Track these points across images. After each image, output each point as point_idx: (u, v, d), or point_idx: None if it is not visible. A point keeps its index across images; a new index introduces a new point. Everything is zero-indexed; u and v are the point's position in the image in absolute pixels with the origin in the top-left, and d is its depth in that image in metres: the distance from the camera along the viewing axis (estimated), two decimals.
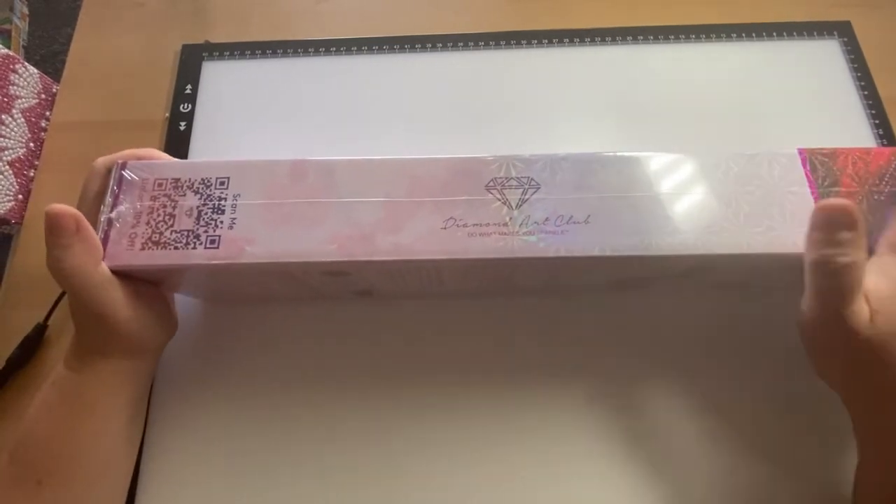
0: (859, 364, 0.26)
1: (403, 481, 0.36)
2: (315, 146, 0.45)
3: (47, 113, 0.50)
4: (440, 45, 0.49)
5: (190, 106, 0.47)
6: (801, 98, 0.46)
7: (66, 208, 0.26)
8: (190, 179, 0.29)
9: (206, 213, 0.28)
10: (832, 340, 0.27)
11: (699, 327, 0.38)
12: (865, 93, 0.46)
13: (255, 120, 0.47)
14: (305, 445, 0.36)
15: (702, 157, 0.29)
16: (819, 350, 0.28)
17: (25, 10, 1.28)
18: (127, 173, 0.29)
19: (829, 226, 0.26)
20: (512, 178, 0.29)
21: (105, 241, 0.28)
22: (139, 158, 0.30)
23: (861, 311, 0.25)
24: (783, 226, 0.28)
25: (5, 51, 0.47)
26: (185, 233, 0.28)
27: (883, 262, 0.27)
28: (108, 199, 0.28)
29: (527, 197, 0.28)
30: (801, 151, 0.30)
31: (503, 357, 0.38)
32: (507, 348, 0.38)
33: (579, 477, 0.35)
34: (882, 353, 0.25)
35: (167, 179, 0.29)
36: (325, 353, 0.39)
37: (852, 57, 0.47)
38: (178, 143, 0.45)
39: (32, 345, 0.39)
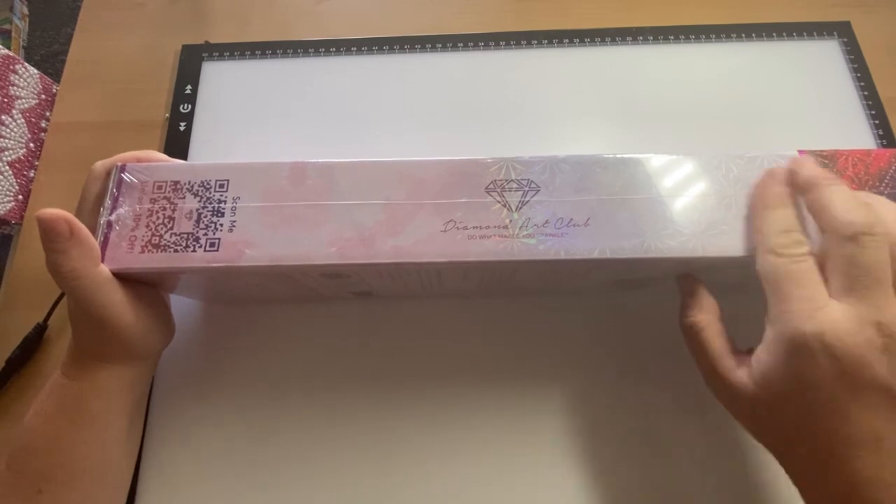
0: (758, 421, 0.28)
1: (404, 481, 0.36)
2: (315, 146, 0.45)
3: (47, 113, 0.50)
4: (440, 45, 0.49)
5: (190, 106, 0.47)
6: (801, 98, 0.46)
7: (57, 213, 0.26)
8: (189, 182, 0.29)
9: (205, 216, 0.28)
10: (728, 401, 0.28)
11: None
12: (865, 93, 0.46)
13: (255, 120, 0.47)
14: (305, 446, 0.36)
15: (702, 159, 0.29)
16: (730, 412, 0.29)
17: (25, 10, 1.28)
18: (126, 176, 0.29)
19: (681, 294, 0.31)
20: (512, 180, 0.29)
21: (105, 243, 0.28)
22: (139, 160, 0.30)
23: (729, 369, 0.27)
24: None
25: (5, 51, 0.47)
26: (185, 235, 0.28)
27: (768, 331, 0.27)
28: (108, 202, 0.28)
29: (527, 199, 0.28)
30: (801, 153, 0.30)
31: (503, 357, 0.38)
32: (507, 348, 0.39)
33: (580, 477, 0.35)
34: (772, 413, 0.26)
35: (166, 182, 0.29)
36: (324, 353, 0.39)
37: (852, 57, 0.47)
38: (177, 144, 0.46)
39: (32, 345, 0.39)
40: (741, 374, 0.27)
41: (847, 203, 0.25)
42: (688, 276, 0.31)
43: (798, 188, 0.27)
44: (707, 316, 0.29)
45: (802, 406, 0.25)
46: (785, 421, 0.26)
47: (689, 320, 0.30)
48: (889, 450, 0.23)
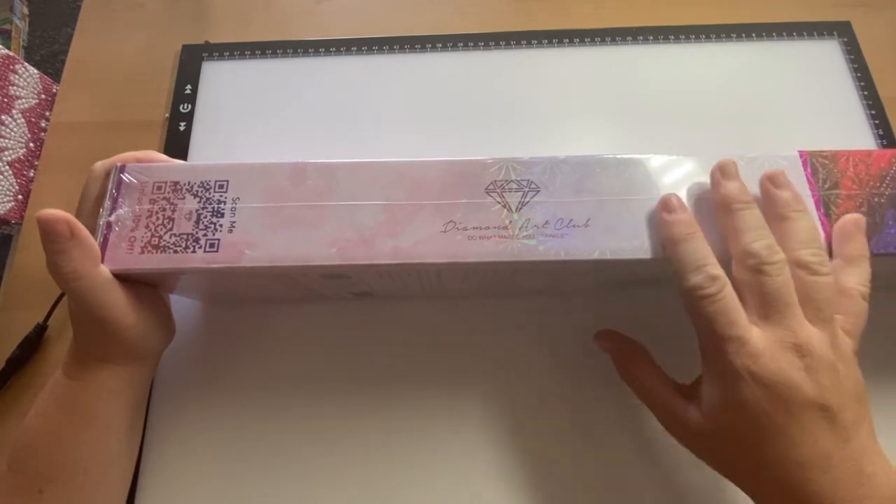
0: (713, 452, 0.28)
1: (404, 481, 0.36)
2: (315, 146, 0.45)
3: (47, 113, 0.50)
4: (440, 45, 0.49)
5: (190, 106, 0.47)
6: (801, 98, 0.46)
7: (57, 213, 0.26)
8: (189, 182, 0.29)
9: (205, 217, 0.28)
10: (684, 438, 0.29)
11: None
12: (865, 93, 0.46)
13: (255, 120, 0.47)
14: (305, 446, 0.36)
15: (702, 160, 0.29)
16: (687, 447, 0.29)
17: (25, 10, 1.28)
18: (126, 176, 0.29)
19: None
20: (511, 180, 0.29)
21: (104, 244, 0.28)
22: (138, 161, 0.30)
23: (681, 410, 0.28)
24: None
25: (5, 51, 0.47)
26: (185, 236, 0.28)
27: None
28: (107, 203, 0.28)
29: (526, 200, 0.28)
30: (801, 154, 0.30)
31: (503, 357, 0.38)
32: (508, 348, 0.38)
33: (581, 476, 0.35)
34: (726, 443, 0.27)
35: (166, 182, 0.29)
36: (324, 353, 0.39)
37: (852, 57, 0.47)
38: (177, 144, 0.45)
39: (32, 345, 0.39)
40: (692, 412, 0.28)
41: (756, 231, 0.26)
42: (604, 336, 0.34)
43: (715, 200, 0.28)
44: (644, 367, 0.31)
45: (751, 434, 0.25)
46: (739, 451, 0.26)
47: (629, 378, 0.32)
48: (839, 466, 0.24)
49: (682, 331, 0.30)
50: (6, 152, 0.45)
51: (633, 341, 0.33)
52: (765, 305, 0.25)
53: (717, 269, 0.26)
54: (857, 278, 0.27)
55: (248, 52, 0.49)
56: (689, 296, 0.26)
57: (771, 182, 0.28)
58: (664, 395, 0.29)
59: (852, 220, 0.28)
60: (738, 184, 0.27)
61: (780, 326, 0.25)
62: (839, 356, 0.25)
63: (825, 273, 0.26)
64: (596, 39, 0.49)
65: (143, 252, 0.28)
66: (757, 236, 0.26)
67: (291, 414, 0.37)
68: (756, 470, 0.26)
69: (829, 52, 0.48)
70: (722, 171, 0.28)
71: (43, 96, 0.50)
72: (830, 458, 0.24)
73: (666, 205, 0.27)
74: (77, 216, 0.29)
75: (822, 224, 0.28)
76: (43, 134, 0.49)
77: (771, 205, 0.27)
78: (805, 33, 0.49)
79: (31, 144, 0.48)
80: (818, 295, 0.25)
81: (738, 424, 0.25)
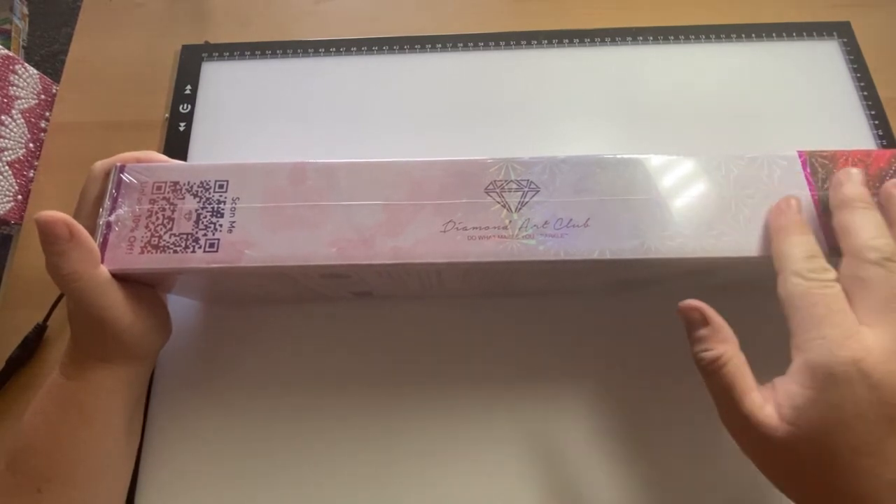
0: (786, 466, 0.25)
1: (404, 481, 0.36)
2: (315, 147, 0.45)
3: (47, 113, 0.50)
4: (440, 45, 0.49)
5: (189, 107, 0.47)
6: (801, 99, 0.46)
7: (56, 215, 0.26)
8: (189, 182, 0.29)
9: (205, 217, 0.28)
10: (752, 444, 0.25)
11: None
12: (865, 94, 0.46)
13: (255, 120, 0.47)
14: (304, 446, 0.36)
15: (702, 160, 0.29)
16: (752, 457, 0.26)
17: (25, 10, 1.28)
18: (125, 176, 0.29)
19: (688, 325, 0.27)
20: (511, 180, 0.29)
21: (104, 244, 0.28)
22: (138, 161, 0.30)
23: (757, 406, 0.24)
24: None
25: (5, 51, 0.47)
26: (185, 236, 0.28)
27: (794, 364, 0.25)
28: (107, 203, 0.28)
29: (526, 200, 0.28)
30: (801, 154, 0.30)
31: (503, 357, 0.38)
32: (507, 348, 0.38)
33: (582, 476, 0.35)
34: (804, 454, 0.23)
35: (166, 182, 0.29)
36: (323, 353, 0.39)
37: (852, 58, 0.47)
38: (177, 144, 0.45)
39: (32, 345, 0.39)
40: (769, 411, 0.24)
41: (878, 229, 0.25)
42: (696, 306, 0.27)
43: (834, 201, 0.27)
44: (728, 347, 0.26)
45: (839, 445, 0.22)
46: (818, 466, 0.23)
47: (710, 354, 0.26)
48: None
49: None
50: (6, 152, 0.45)
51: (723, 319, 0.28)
52: (882, 302, 0.23)
53: (830, 266, 0.25)
54: None
55: (248, 53, 0.49)
56: (797, 277, 0.24)
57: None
58: (745, 388, 0.25)
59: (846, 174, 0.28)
60: (864, 189, 0.27)
61: None
62: None
63: None
64: (596, 40, 0.49)
65: (142, 252, 0.28)
66: (880, 233, 0.25)
67: (291, 414, 0.37)
68: (834, 493, 0.23)
69: (828, 53, 0.48)
70: (847, 175, 0.27)
71: (43, 96, 0.50)
72: None
73: (789, 202, 0.27)
74: (76, 216, 0.29)
75: (822, 224, 0.28)
76: (43, 134, 0.49)
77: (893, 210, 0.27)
78: (804, 33, 0.49)
79: (31, 145, 0.48)
80: None
81: (826, 431, 0.22)
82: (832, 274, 0.24)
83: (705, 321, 0.26)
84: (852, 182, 0.27)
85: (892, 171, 0.29)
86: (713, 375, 0.26)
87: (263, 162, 0.29)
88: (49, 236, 0.26)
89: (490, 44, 0.49)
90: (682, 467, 0.35)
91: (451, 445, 0.36)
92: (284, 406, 0.37)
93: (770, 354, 0.33)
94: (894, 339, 0.22)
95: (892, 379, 0.22)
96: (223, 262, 0.27)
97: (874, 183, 0.29)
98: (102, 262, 0.27)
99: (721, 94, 0.46)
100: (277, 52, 0.49)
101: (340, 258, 0.27)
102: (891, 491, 0.22)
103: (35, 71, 0.50)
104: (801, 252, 0.25)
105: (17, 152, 0.46)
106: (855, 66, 0.47)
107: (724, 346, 0.26)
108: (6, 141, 0.45)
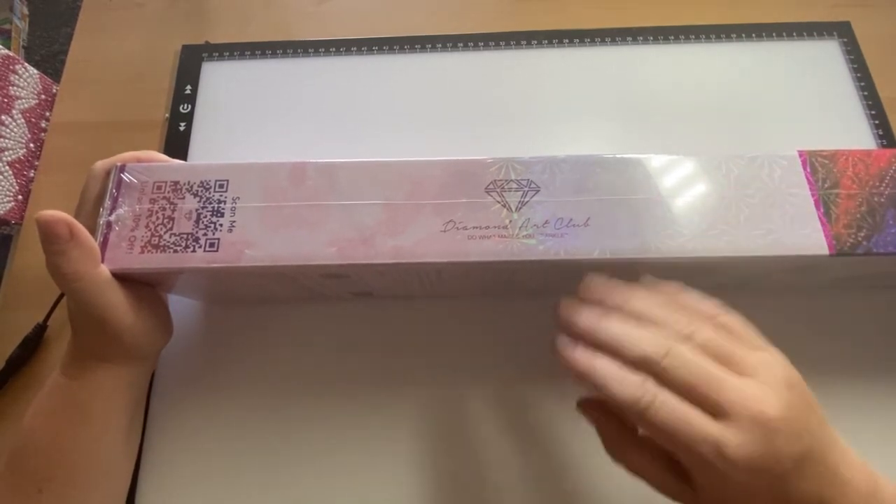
0: None
1: (404, 480, 0.36)
2: (315, 146, 0.45)
3: (47, 113, 0.50)
4: (440, 45, 0.49)
5: (190, 106, 0.47)
6: (801, 99, 0.46)
7: (57, 214, 0.26)
8: (189, 182, 0.29)
9: (205, 216, 0.28)
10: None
11: None
12: (865, 93, 0.46)
13: (255, 120, 0.47)
14: (304, 446, 0.36)
15: (702, 160, 0.29)
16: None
17: (25, 10, 1.28)
18: (126, 176, 0.29)
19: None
20: (511, 180, 0.29)
21: (104, 244, 0.28)
22: (139, 160, 0.30)
23: (669, 482, 0.26)
24: (783, 228, 0.28)
25: (5, 51, 0.47)
26: (185, 236, 0.28)
27: None
28: (107, 202, 0.28)
29: (526, 199, 0.28)
30: (801, 153, 0.30)
31: (503, 357, 0.38)
32: (508, 348, 0.38)
33: (582, 475, 0.35)
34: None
35: (166, 182, 0.29)
36: (323, 353, 0.39)
37: (852, 58, 0.47)
38: (177, 144, 0.45)
39: (32, 345, 0.39)
40: (688, 493, 0.25)
41: (628, 338, 0.24)
42: (589, 406, 0.28)
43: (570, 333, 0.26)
44: (632, 447, 0.27)
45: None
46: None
47: (617, 457, 0.27)
48: (846, 484, 0.23)
49: None
50: (6, 152, 0.45)
51: (617, 416, 0.27)
52: (697, 397, 0.23)
53: (644, 380, 0.24)
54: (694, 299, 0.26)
55: (248, 53, 0.49)
56: (643, 415, 0.23)
57: (584, 293, 0.27)
58: (655, 474, 0.26)
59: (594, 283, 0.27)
60: (588, 311, 0.26)
61: (724, 404, 0.22)
62: (782, 394, 0.23)
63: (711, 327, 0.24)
64: (596, 39, 0.49)
65: (142, 251, 0.28)
66: (634, 341, 0.24)
67: (291, 413, 0.37)
68: None
69: (828, 53, 0.48)
70: (566, 315, 0.27)
71: (43, 96, 0.50)
72: (834, 485, 0.23)
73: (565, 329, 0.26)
74: (77, 216, 0.29)
75: (822, 224, 0.28)
76: (43, 134, 0.49)
77: (609, 301, 0.26)
78: (805, 33, 0.49)
79: (31, 145, 0.48)
80: (722, 348, 0.24)
81: (736, 501, 0.24)
82: (651, 389, 0.23)
83: (604, 426, 0.27)
84: (571, 311, 0.26)
85: (892, 171, 0.29)
86: (628, 471, 0.27)
87: (263, 162, 0.29)
88: (49, 236, 0.26)
89: (490, 44, 0.49)
90: None
91: (451, 444, 0.36)
92: (284, 405, 0.37)
93: None
94: (732, 418, 0.23)
95: (754, 460, 0.22)
96: (223, 262, 0.27)
97: (874, 182, 0.29)
98: (103, 261, 0.27)
99: (721, 93, 0.46)
100: (277, 52, 0.49)
101: (340, 258, 0.27)
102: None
103: (35, 71, 0.50)
104: (626, 392, 0.24)
105: (18, 152, 0.46)
106: (855, 66, 0.47)
107: (624, 450, 0.27)
108: (6, 141, 0.45)
